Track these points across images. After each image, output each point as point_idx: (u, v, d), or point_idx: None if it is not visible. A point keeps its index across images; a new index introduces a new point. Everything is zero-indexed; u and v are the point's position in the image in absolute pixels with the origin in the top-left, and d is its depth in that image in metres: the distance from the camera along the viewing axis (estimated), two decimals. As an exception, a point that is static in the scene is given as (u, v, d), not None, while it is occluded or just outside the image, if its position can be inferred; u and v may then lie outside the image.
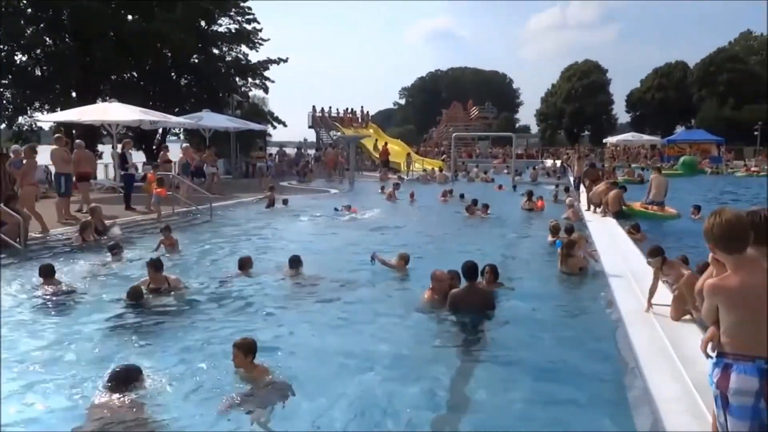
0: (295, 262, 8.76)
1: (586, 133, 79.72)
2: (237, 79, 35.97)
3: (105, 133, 25.83)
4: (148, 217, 13.92)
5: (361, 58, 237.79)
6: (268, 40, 35.64)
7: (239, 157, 29.72)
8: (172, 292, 7.53)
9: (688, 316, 6.00)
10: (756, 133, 53.24)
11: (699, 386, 4.20)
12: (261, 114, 38.54)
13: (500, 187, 24.56)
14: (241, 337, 5.14)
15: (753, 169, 35.55)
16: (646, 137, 54.17)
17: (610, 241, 10.99)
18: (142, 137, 30.71)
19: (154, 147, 31.34)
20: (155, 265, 7.61)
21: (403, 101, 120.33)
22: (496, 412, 4.51)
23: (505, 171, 32.50)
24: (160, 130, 31.33)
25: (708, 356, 3.07)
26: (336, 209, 16.04)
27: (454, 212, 16.34)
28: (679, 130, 65.44)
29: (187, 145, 19.00)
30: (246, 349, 4.91)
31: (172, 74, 33.70)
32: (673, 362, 4.84)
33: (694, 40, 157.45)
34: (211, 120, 25.70)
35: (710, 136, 49.62)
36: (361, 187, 24.70)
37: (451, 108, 57.59)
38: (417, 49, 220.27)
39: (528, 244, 12.04)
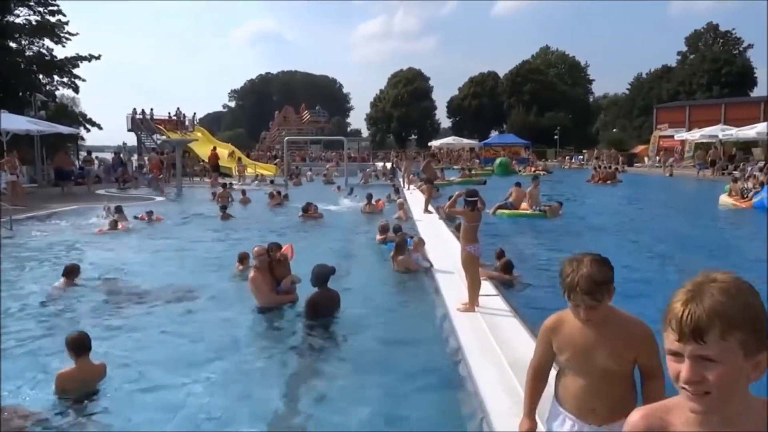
0: (70, 271, 8.15)
1: (414, 136, 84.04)
2: (40, 76, 32.41)
3: None
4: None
5: (186, 59, 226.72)
6: (77, 34, 32.65)
7: (46, 163, 26.68)
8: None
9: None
10: (555, 137, 60.60)
11: (514, 367, 4.64)
12: (71, 115, 35.12)
13: (339, 188, 24.95)
14: (75, 332, 4.92)
15: (532, 169, 40.98)
16: (465, 141, 58.95)
17: (438, 240, 11.64)
18: None
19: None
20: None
21: (233, 104, 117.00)
22: (333, 408, 4.56)
23: (335, 174, 33.11)
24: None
25: None
26: (135, 217, 15.22)
27: (289, 215, 16.27)
28: (494, 134, 71.99)
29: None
30: (76, 344, 4.69)
31: (-42, 69, 29.30)
32: (493, 348, 5.27)
33: (503, 52, 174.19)
34: (8, 121, 22.70)
35: (519, 139, 55.43)
36: (191, 193, 23.51)
37: (282, 111, 57.34)
38: (245, 51, 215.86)
39: (362, 244, 12.35)
